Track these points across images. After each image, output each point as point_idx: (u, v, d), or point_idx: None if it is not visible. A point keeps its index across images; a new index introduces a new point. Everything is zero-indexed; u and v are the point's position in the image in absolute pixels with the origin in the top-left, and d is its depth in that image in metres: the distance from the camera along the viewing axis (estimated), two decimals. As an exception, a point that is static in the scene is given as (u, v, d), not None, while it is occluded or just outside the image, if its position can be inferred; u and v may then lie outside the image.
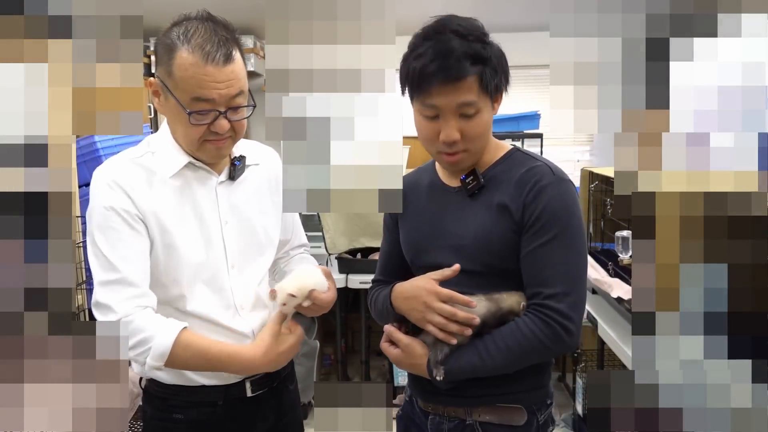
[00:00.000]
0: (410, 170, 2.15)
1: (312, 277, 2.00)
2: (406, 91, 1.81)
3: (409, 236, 2.02)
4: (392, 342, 1.95)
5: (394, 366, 4.75)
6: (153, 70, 1.88)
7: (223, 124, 1.83)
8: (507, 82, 1.83)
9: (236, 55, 1.82)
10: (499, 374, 1.84)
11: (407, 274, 2.02)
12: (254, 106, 1.90)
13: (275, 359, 1.93)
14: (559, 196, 1.78)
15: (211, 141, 1.87)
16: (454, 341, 1.79)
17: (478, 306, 1.78)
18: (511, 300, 1.81)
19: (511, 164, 1.88)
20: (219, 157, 1.96)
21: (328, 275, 2.06)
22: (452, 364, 1.81)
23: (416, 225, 2.00)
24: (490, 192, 1.86)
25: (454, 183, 1.94)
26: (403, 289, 1.91)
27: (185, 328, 1.87)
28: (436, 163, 2.00)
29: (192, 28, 1.80)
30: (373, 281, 2.17)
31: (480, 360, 1.80)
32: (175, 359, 1.84)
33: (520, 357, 1.80)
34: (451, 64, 1.70)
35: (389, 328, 1.97)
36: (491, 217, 1.84)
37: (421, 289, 1.84)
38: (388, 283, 2.04)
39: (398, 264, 2.08)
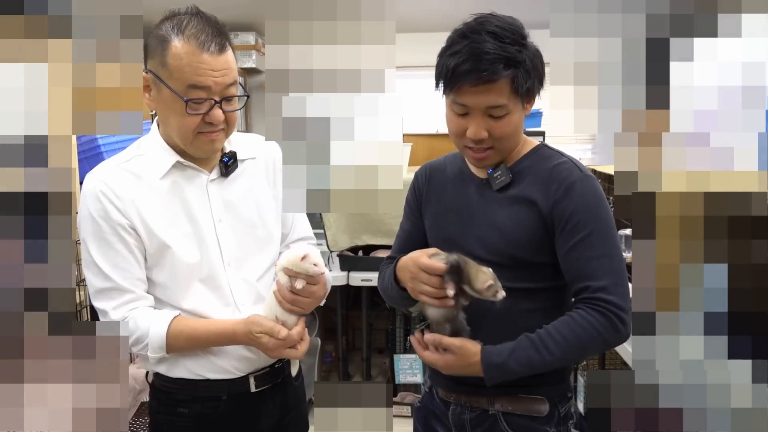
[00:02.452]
0: (414, 167, 2.14)
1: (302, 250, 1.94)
2: (440, 86, 1.82)
3: (436, 224, 2.02)
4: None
5: (395, 364, 4.76)
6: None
7: (218, 114, 1.84)
8: (541, 84, 1.83)
9: (228, 46, 1.85)
10: (556, 368, 1.84)
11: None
12: (248, 96, 1.91)
13: (250, 333, 1.90)
14: (588, 191, 1.80)
15: (205, 133, 1.87)
16: (451, 303, 1.77)
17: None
18: (479, 273, 1.77)
19: (538, 159, 1.90)
20: (212, 150, 1.95)
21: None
22: (510, 362, 1.78)
23: (443, 213, 2.00)
24: (517, 186, 1.87)
25: (482, 174, 1.93)
26: (401, 260, 1.89)
27: (177, 316, 1.92)
28: None
29: (184, 20, 1.82)
30: (388, 258, 2.13)
31: (537, 354, 1.77)
32: (173, 347, 1.92)
33: (579, 349, 1.80)
34: (483, 66, 1.70)
35: (432, 337, 1.85)
36: (518, 212, 1.85)
37: (410, 260, 1.83)
38: None
39: (419, 244, 2.03)
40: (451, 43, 1.77)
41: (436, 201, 2.02)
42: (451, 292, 1.75)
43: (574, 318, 1.77)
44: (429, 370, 2.12)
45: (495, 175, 1.88)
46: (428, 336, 1.85)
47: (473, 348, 1.82)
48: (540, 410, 1.90)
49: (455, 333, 1.81)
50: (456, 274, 1.76)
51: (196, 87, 1.79)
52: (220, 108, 1.84)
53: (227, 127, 1.91)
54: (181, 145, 1.91)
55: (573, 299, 1.84)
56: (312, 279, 1.90)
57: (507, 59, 1.71)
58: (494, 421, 1.91)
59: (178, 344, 1.92)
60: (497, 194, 1.89)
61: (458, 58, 1.72)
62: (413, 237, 2.08)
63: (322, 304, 2.12)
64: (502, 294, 1.76)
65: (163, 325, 1.89)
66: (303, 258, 1.87)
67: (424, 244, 2.01)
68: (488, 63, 1.70)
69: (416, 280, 1.80)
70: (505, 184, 1.87)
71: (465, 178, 1.98)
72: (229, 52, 1.84)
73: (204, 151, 1.93)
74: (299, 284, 1.88)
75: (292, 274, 1.89)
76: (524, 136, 1.95)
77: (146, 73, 1.86)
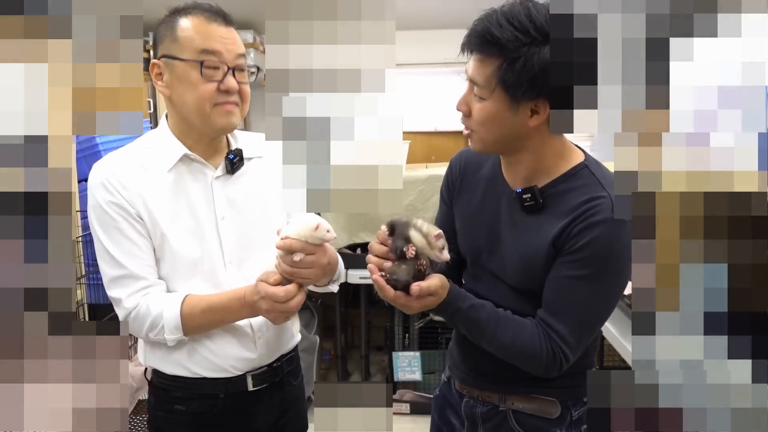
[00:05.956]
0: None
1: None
2: None
3: (466, 230, 1.98)
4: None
5: (394, 362, 4.77)
6: (153, 60, 1.92)
7: (233, 81, 1.89)
8: (535, 96, 1.64)
9: (232, 26, 1.93)
10: (482, 348, 1.83)
11: (455, 250, 1.99)
12: (258, 69, 1.95)
13: (254, 287, 1.91)
14: (608, 235, 1.66)
15: (221, 104, 1.90)
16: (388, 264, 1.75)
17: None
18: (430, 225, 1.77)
19: (576, 184, 1.75)
20: (229, 125, 1.96)
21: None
22: (471, 312, 1.78)
23: (473, 221, 1.95)
24: (547, 216, 1.76)
25: (514, 183, 1.84)
26: None
27: (189, 294, 1.95)
28: (501, 156, 1.89)
29: (190, 7, 1.90)
30: None
31: (486, 323, 1.78)
32: (189, 326, 1.94)
33: (515, 354, 1.79)
34: (471, 35, 1.65)
35: (419, 289, 1.72)
36: (539, 244, 1.75)
37: None
38: None
39: (449, 241, 1.95)
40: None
41: (467, 202, 1.97)
42: (384, 232, 1.76)
43: (533, 336, 1.76)
44: (449, 361, 2.13)
45: (524, 197, 1.78)
46: (415, 289, 1.72)
47: (443, 292, 1.78)
48: (551, 411, 1.89)
49: (417, 277, 1.75)
50: (390, 228, 1.76)
51: (207, 51, 1.85)
52: (233, 77, 1.89)
53: (242, 103, 1.96)
54: (198, 121, 1.92)
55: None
56: (310, 248, 1.87)
57: (495, 40, 1.61)
58: (504, 417, 1.93)
59: (194, 321, 1.93)
60: (525, 215, 1.80)
61: (472, 27, 1.67)
62: (447, 230, 1.98)
63: (335, 290, 2.13)
64: (447, 256, 1.75)
65: (176, 304, 1.92)
66: (317, 228, 1.86)
67: (456, 241, 2.00)
68: (476, 35, 1.64)
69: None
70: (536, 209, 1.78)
71: (498, 186, 1.89)
72: (234, 30, 1.93)
73: (221, 125, 1.94)
74: (297, 257, 1.86)
75: (298, 248, 1.86)
76: (569, 146, 1.82)
77: (158, 59, 1.92)
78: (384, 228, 1.78)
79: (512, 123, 1.70)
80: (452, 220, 2.03)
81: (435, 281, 1.75)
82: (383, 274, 1.74)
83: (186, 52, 1.86)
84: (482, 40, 1.63)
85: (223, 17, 1.90)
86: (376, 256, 1.78)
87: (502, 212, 1.86)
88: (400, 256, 1.74)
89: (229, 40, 1.89)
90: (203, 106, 1.88)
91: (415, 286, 1.71)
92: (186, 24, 1.87)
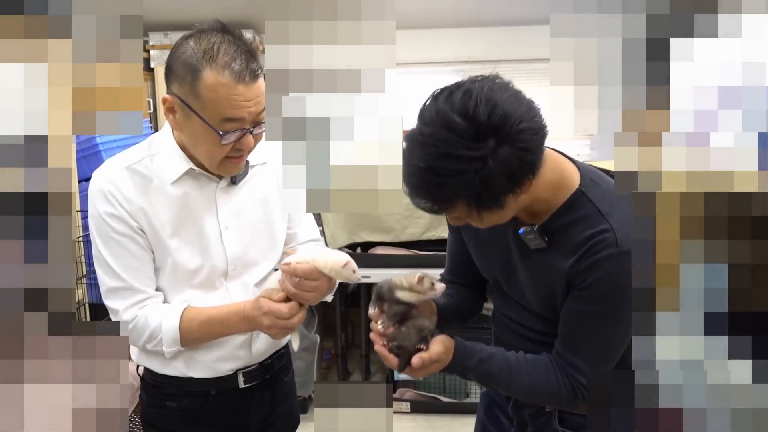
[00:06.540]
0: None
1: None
2: None
3: (481, 259, 1.96)
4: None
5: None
6: (152, 65, 1.89)
7: (250, 140, 1.84)
8: (513, 189, 1.54)
9: (260, 69, 1.80)
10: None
11: (473, 273, 2.01)
12: None
13: (255, 301, 1.91)
14: (615, 270, 1.61)
15: (231, 158, 1.87)
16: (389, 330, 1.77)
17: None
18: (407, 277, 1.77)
19: (576, 216, 1.69)
20: (236, 172, 1.96)
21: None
22: (481, 366, 1.79)
23: (484, 251, 1.93)
24: (554, 252, 1.72)
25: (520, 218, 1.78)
26: None
27: (187, 307, 1.94)
28: None
29: (214, 45, 1.76)
30: (441, 277, 2.10)
31: (499, 374, 1.78)
32: (187, 338, 1.93)
33: (533, 396, 1.81)
34: (427, 210, 1.59)
35: (420, 362, 1.72)
36: (557, 283, 1.72)
37: None
38: (457, 284, 2.03)
39: (464, 265, 2.02)
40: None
41: (474, 230, 1.88)
42: (371, 311, 1.79)
43: (549, 375, 1.76)
44: None
45: (528, 237, 1.73)
46: (416, 362, 1.73)
47: (447, 357, 1.78)
48: None
49: (421, 339, 1.75)
50: (379, 297, 1.79)
51: (231, 120, 1.77)
52: (251, 134, 1.83)
53: (251, 149, 1.91)
54: (204, 162, 1.90)
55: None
56: (316, 275, 1.86)
57: (446, 199, 1.54)
58: (549, 418, 1.92)
59: (192, 334, 1.93)
60: (534, 252, 1.75)
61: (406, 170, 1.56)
62: (458, 257, 2.05)
63: (329, 299, 2.12)
64: (441, 286, 1.76)
65: (174, 317, 1.91)
66: (345, 265, 1.86)
67: (470, 265, 2.01)
68: (423, 204, 1.58)
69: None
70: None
71: None
72: (261, 78, 1.79)
73: (228, 173, 1.94)
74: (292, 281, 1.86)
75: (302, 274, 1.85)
76: (562, 171, 1.73)
77: (172, 96, 1.81)
78: (371, 310, 1.81)
79: (510, 210, 1.62)
80: (463, 243, 2.01)
81: (437, 348, 1.75)
82: (385, 342, 1.76)
83: (207, 113, 1.75)
84: (434, 205, 1.58)
85: (252, 68, 1.77)
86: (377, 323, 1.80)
87: (511, 245, 1.83)
88: (399, 321, 1.76)
89: (254, 101, 1.78)
90: (214, 160, 1.87)
91: (416, 359, 1.71)
92: (210, 81, 1.73)
